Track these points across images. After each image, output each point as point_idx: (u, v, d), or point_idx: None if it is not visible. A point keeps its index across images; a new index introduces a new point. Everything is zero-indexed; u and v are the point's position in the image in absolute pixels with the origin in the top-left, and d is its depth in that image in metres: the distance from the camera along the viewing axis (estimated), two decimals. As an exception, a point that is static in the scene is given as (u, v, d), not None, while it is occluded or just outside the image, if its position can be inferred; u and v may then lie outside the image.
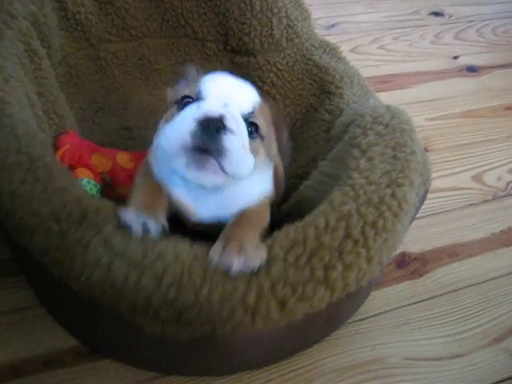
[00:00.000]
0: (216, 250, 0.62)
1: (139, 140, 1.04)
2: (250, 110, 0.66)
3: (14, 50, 0.83)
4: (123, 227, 0.63)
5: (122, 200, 0.89)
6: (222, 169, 0.63)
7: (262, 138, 0.69)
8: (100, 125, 1.05)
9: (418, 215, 1.01)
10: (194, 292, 0.58)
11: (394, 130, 0.74)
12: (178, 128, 0.63)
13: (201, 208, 0.73)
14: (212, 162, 0.62)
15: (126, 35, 1.11)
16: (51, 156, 0.71)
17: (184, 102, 0.67)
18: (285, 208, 0.83)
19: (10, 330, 0.81)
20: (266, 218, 0.74)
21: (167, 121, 0.67)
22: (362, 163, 0.70)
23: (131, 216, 0.63)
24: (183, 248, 0.62)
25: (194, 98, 0.66)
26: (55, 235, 0.62)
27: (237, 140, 0.63)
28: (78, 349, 0.80)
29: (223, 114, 0.62)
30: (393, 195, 0.67)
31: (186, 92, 0.67)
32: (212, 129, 0.61)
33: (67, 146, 0.86)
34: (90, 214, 0.63)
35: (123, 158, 0.92)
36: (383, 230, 0.64)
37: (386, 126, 0.75)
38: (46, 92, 0.90)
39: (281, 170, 0.85)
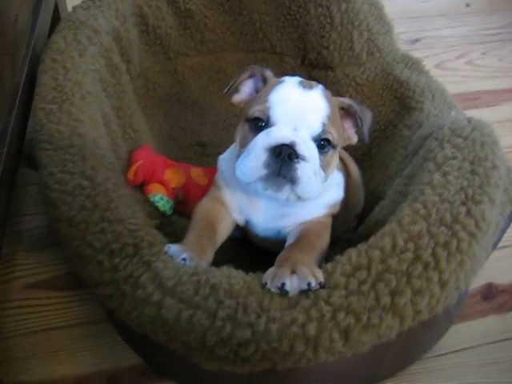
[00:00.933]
0: (270, 272, 0.61)
1: (214, 156, 1.02)
2: (320, 129, 0.67)
3: (94, 65, 0.85)
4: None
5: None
6: (295, 193, 0.65)
7: (334, 147, 0.69)
8: (175, 140, 1.05)
9: (506, 243, 0.94)
10: (251, 327, 0.55)
11: (473, 142, 0.70)
12: (253, 159, 0.65)
13: (267, 214, 0.74)
14: (286, 187, 0.65)
15: (204, 49, 1.11)
16: (116, 180, 0.70)
17: (256, 124, 0.68)
18: (361, 230, 0.78)
19: (81, 342, 0.81)
20: (324, 240, 0.72)
21: (241, 145, 0.69)
22: (436, 178, 0.65)
23: (175, 250, 0.64)
24: (237, 280, 0.59)
25: (265, 120, 0.67)
26: (106, 270, 0.61)
27: (308, 167, 0.65)
28: (142, 368, 0.79)
29: (294, 141, 0.64)
30: (468, 213, 0.62)
31: (257, 114, 0.68)
32: (284, 156, 0.63)
33: (141, 161, 0.86)
34: (143, 248, 0.62)
35: (197, 174, 0.91)
36: (457, 251, 0.60)
37: (466, 138, 0.70)
38: (123, 106, 0.91)
39: (353, 168, 0.85)
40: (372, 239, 0.62)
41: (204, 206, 0.76)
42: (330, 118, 0.68)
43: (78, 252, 0.64)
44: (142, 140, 0.94)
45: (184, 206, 0.89)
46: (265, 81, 0.73)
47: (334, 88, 1.04)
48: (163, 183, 0.88)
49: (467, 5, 1.76)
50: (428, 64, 1.43)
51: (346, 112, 0.73)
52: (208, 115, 1.09)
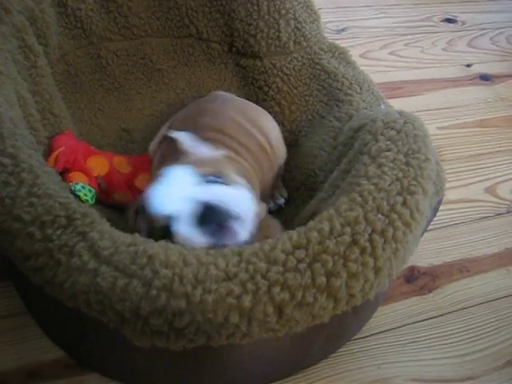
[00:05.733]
0: None
1: (139, 143, 1.00)
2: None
3: (6, 45, 0.80)
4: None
5: (117, 206, 0.86)
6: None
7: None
8: (99, 126, 1.02)
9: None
10: (186, 297, 0.54)
11: (406, 135, 0.71)
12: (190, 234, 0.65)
13: None
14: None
15: (128, 33, 1.07)
16: (39, 158, 0.67)
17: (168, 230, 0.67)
18: (298, 222, 0.78)
19: (-1, 337, 0.78)
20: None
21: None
22: (371, 170, 0.66)
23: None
24: (173, 252, 0.58)
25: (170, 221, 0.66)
26: (38, 241, 0.59)
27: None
28: (65, 361, 0.76)
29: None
30: (404, 203, 0.63)
31: (162, 223, 0.67)
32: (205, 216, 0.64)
33: (62, 148, 0.82)
34: (76, 219, 0.60)
35: (120, 162, 0.89)
36: (393, 239, 0.61)
37: (399, 131, 0.72)
38: (41, 90, 0.86)
39: None
40: (310, 223, 0.62)
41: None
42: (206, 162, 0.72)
43: (5, 228, 0.61)
44: (63, 126, 0.89)
45: (107, 194, 0.86)
46: None
47: (261, 78, 1.04)
48: (85, 171, 0.84)
49: (391, -4, 1.81)
50: (354, 53, 1.45)
51: None
52: (133, 101, 1.06)
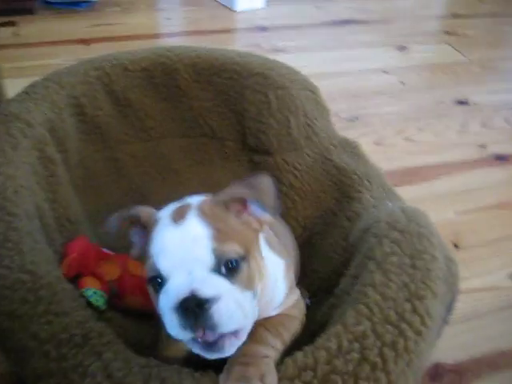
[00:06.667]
0: (222, 377, 0.58)
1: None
2: (212, 257, 0.57)
3: (27, 158, 0.84)
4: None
5: (129, 310, 0.86)
6: (231, 335, 0.58)
7: (244, 258, 0.59)
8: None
9: (451, 320, 0.94)
10: None
11: (411, 235, 0.70)
12: (169, 325, 0.57)
13: None
14: (221, 340, 0.57)
15: (145, 136, 1.11)
16: (57, 274, 0.69)
17: (154, 284, 0.60)
18: (312, 328, 0.76)
19: None
20: (290, 331, 0.68)
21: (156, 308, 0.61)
22: (377, 277, 0.65)
23: None
24: (186, 376, 0.57)
25: (159, 277, 0.58)
26: (53, 360, 0.59)
27: (224, 303, 0.56)
28: None
29: (194, 288, 0.55)
30: (414, 310, 0.62)
31: (150, 274, 0.59)
32: (193, 310, 0.55)
33: (74, 254, 0.83)
34: (93, 338, 0.60)
35: (134, 264, 0.89)
36: (405, 350, 0.59)
37: (402, 231, 0.71)
38: (58, 198, 0.89)
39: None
40: (318, 340, 0.61)
41: None
42: (219, 235, 0.58)
43: (21, 345, 0.61)
44: (80, 232, 0.91)
45: (119, 299, 0.86)
46: (144, 225, 0.65)
47: (274, 174, 1.05)
48: (97, 276, 0.85)
49: (402, 83, 1.86)
50: (368, 141, 1.50)
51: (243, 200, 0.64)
52: (148, 202, 1.07)
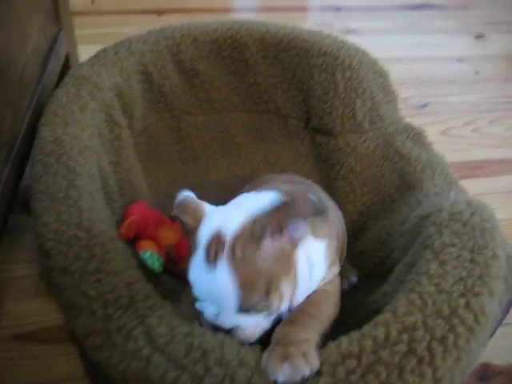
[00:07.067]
0: (265, 356, 0.59)
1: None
2: (238, 306, 0.59)
3: (94, 120, 0.86)
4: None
5: (183, 276, 0.88)
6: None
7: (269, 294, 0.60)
8: (174, 197, 1.05)
9: (505, 321, 0.90)
10: None
11: (473, 229, 0.68)
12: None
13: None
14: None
15: (209, 108, 1.12)
16: (112, 233, 0.70)
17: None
18: (361, 316, 0.75)
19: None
20: (327, 310, 0.68)
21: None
22: (433, 267, 0.63)
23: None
24: (230, 350, 0.57)
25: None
26: (99, 319, 0.60)
27: (245, 329, 0.62)
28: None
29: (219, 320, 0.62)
30: (467, 306, 0.60)
31: None
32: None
33: (134, 217, 0.85)
34: (138, 301, 0.61)
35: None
36: (454, 347, 0.57)
37: (465, 223, 0.69)
38: (121, 161, 0.91)
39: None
40: (365, 328, 0.60)
41: None
42: (247, 286, 0.59)
43: (71, 302, 0.63)
44: (140, 196, 0.93)
45: (175, 264, 0.88)
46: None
47: (335, 156, 1.04)
48: (155, 240, 0.87)
49: (476, 72, 1.78)
50: (435, 130, 1.45)
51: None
52: (209, 174, 1.09)
